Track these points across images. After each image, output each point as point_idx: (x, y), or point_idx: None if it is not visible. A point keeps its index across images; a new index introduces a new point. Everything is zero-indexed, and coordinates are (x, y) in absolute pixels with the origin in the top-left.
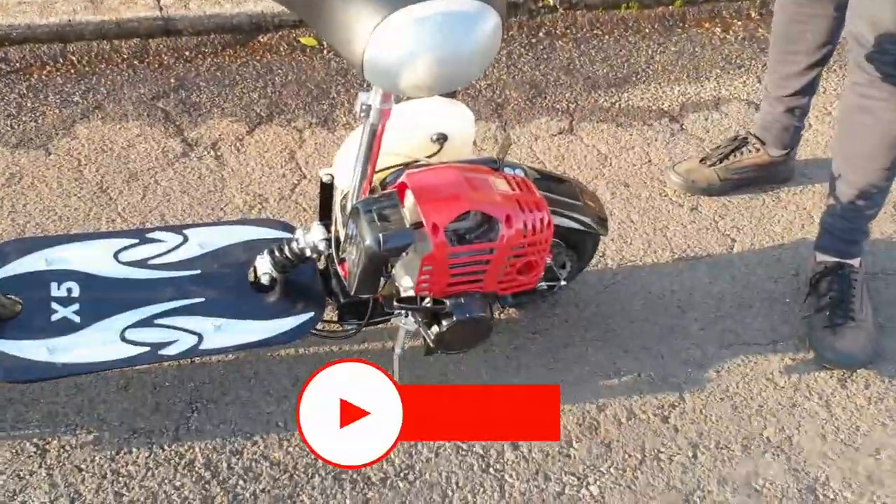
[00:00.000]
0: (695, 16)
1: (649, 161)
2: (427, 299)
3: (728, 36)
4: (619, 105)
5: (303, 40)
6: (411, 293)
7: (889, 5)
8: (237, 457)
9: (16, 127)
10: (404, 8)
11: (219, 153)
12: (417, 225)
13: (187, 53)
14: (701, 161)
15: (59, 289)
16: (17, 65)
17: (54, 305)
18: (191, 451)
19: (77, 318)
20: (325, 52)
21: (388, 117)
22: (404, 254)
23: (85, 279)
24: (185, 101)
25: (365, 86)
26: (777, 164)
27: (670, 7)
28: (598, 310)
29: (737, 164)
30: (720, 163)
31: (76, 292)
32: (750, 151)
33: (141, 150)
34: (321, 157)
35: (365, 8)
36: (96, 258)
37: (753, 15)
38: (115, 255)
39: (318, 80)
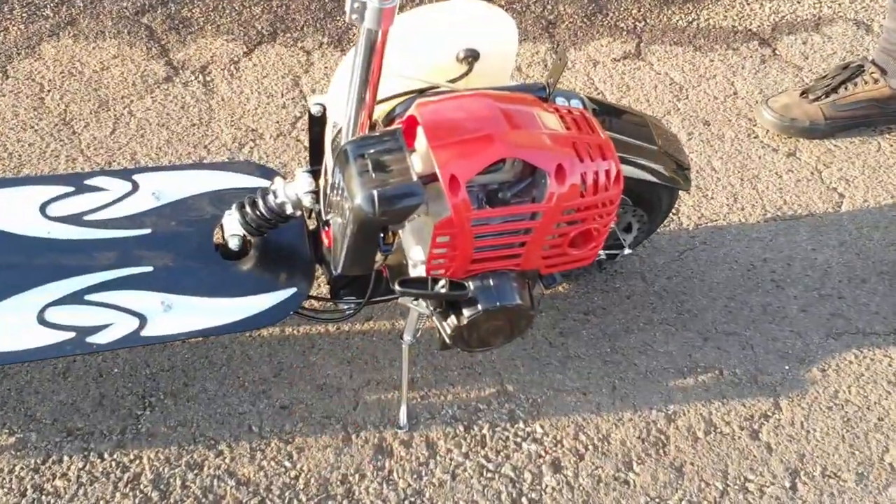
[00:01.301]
0: None
1: (735, 93)
2: (442, 283)
3: None
4: (698, 24)
5: None
6: (422, 271)
7: None
8: (195, 472)
9: None
10: None
11: (208, 78)
12: (430, 178)
13: None
14: (802, 95)
15: None
16: None
17: None
18: (137, 462)
19: None
20: None
21: (392, 21)
22: (411, 217)
23: (2, 239)
24: (174, 17)
25: None
26: None
27: None
28: (670, 283)
29: (848, 98)
30: (826, 97)
31: None
32: (866, 83)
33: (116, 73)
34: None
35: None
36: (17, 211)
37: None
38: (42, 208)
39: None
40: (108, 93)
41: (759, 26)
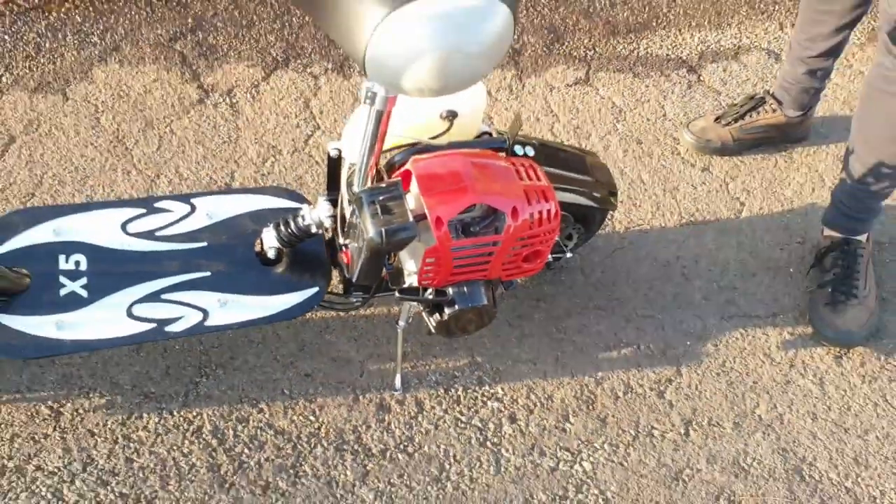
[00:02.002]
0: None
1: (664, 115)
2: (430, 292)
3: None
4: (638, 53)
5: None
6: (414, 280)
7: None
8: (243, 424)
9: (34, 69)
10: (408, 3)
11: (234, 101)
12: (421, 216)
13: None
14: (716, 120)
15: (67, 262)
16: (36, 1)
17: (62, 279)
18: (199, 417)
19: (85, 293)
20: None
21: (395, 103)
22: (408, 247)
23: (92, 252)
24: (202, 43)
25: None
26: (793, 126)
27: None
28: (604, 276)
29: (752, 123)
30: (735, 122)
31: (84, 265)
32: (766, 112)
33: (157, 96)
34: (336, 107)
35: (368, 2)
36: (104, 229)
37: None
38: (123, 226)
39: None
40: (151, 113)
41: (688, 55)
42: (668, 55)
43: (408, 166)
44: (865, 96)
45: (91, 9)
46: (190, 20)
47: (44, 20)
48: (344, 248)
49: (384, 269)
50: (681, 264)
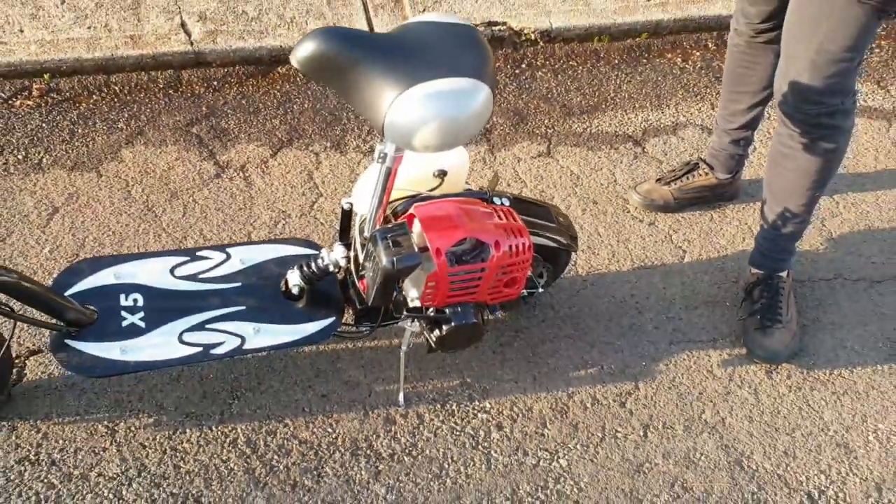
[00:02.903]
0: (658, 47)
1: (615, 181)
2: (430, 308)
3: (687, 66)
4: (590, 130)
5: None
6: (417, 304)
7: (806, 73)
8: (272, 436)
9: (70, 151)
10: (415, 86)
11: (247, 174)
12: (423, 249)
13: (216, 83)
14: (657, 181)
15: (127, 299)
16: (68, 94)
17: (124, 313)
18: (234, 431)
19: (143, 324)
20: None
21: (401, 162)
22: (412, 274)
23: (148, 291)
24: (216, 127)
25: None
26: (724, 186)
27: (637, 39)
28: (571, 311)
29: (689, 185)
30: (675, 184)
31: (141, 302)
32: (700, 175)
33: (180, 171)
34: (336, 178)
35: (386, 84)
36: (156, 273)
37: (710, 45)
38: (172, 271)
39: (331, 107)
40: (175, 186)
41: (633, 131)
42: (616, 132)
43: (411, 211)
44: (770, 159)
45: (116, 100)
46: (204, 108)
47: (75, 110)
48: (360, 279)
49: (393, 293)
50: (634, 301)
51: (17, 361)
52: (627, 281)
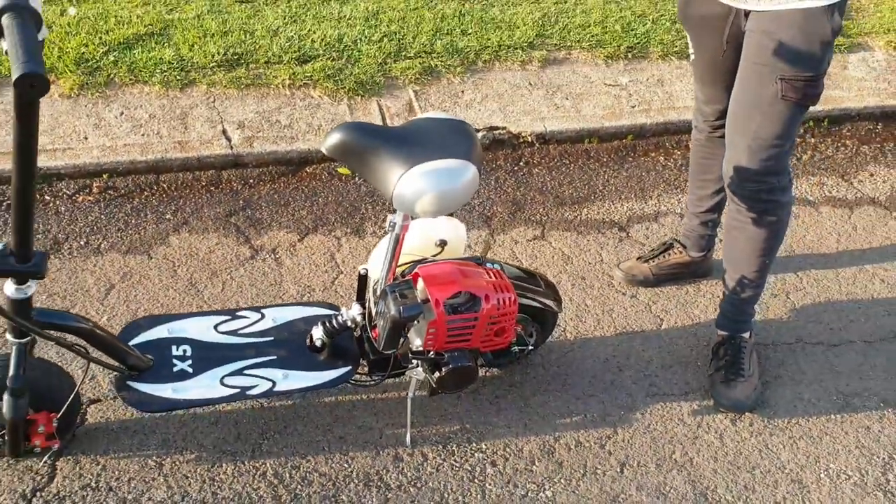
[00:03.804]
0: (643, 147)
1: (601, 260)
2: (431, 353)
3: (669, 163)
4: (581, 218)
5: (339, 170)
6: (420, 349)
7: (745, 157)
8: (296, 469)
9: (124, 238)
10: (417, 165)
11: (277, 256)
12: (425, 301)
13: (251, 181)
14: (638, 259)
15: (177, 350)
16: (123, 191)
17: (175, 361)
18: (263, 465)
19: (190, 370)
20: (356, 179)
21: (408, 230)
22: (416, 321)
23: (195, 343)
24: (251, 217)
25: (391, 210)
26: (696, 263)
27: (623, 140)
28: (559, 370)
29: (666, 262)
30: (653, 261)
31: (189, 352)
32: (675, 253)
33: (219, 254)
34: (354, 258)
35: (395, 164)
36: (202, 329)
37: (690, 146)
38: (215, 327)
39: (351, 200)
40: (215, 266)
41: (619, 218)
42: (604, 219)
43: (415, 270)
44: (725, 232)
45: (164, 195)
46: (241, 201)
47: (129, 204)
48: (373, 329)
49: (401, 339)
50: (616, 361)
51: (81, 408)
52: (610, 344)
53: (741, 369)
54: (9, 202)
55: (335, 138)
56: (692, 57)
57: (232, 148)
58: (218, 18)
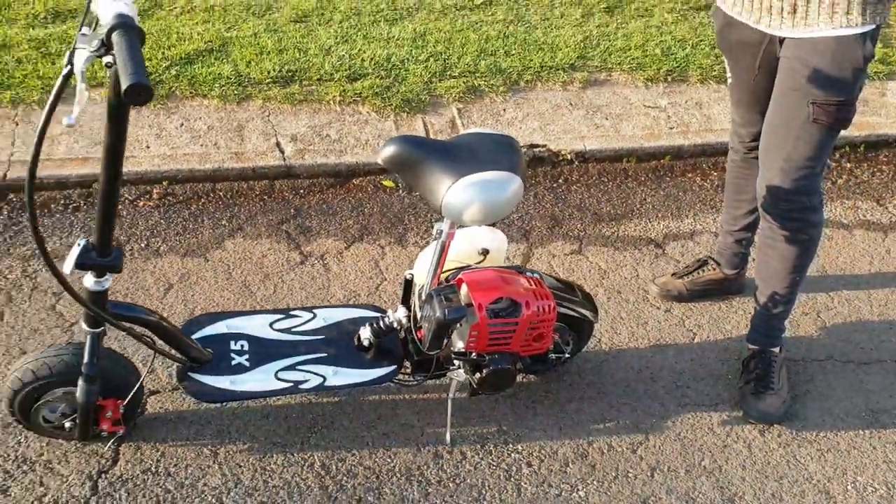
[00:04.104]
0: (680, 168)
1: (637, 275)
2: (473, 355)
3: (706, 183)
4: (618, 234)
5: (384, 183)
6: (463, 351)
7: (778, 178)
8: (342, 462)
9: (182, 241)
10: (465, 177)
11: (325, 262)
12: (469, 305)
13: (302, 191)
14: (673, 275)
15: (235, 345)
16: (182, 197)
17: (233, 355)
18: (311, 457)
19: (247, 364)
20: (399, 191)
21: (453, 238)
22: (459, 324)
23: (252, 339)
24: (301, 226)
25: (438, 219)
26: (730, 280)
27: (661, 161)
28: (594, 378)
29: (700, 279)
30: (687, 277)
31: (246, 347)
32: (709, 270)
33: (271, 259)
34: (397, 266)
35: (443, 177)
36: (258, 326)
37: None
38: (271, 325)
39: (395, 211)
40: (268, 270)
41: (655, 236)
42: (640, 236)
43: (459, 276)
44: (757, 249)
45: (220, 202)
46: (292, 210)
47: (187, 210)
48: (418, 330)
49: (444, 341)
50: (649, 372)
51: (143, 397)
52: (644, 356)
53: (771, 382)
54: (75, 204)
55: (390, 150)
56: (729, 80)
57: (285, 159)
58: (274, 37)
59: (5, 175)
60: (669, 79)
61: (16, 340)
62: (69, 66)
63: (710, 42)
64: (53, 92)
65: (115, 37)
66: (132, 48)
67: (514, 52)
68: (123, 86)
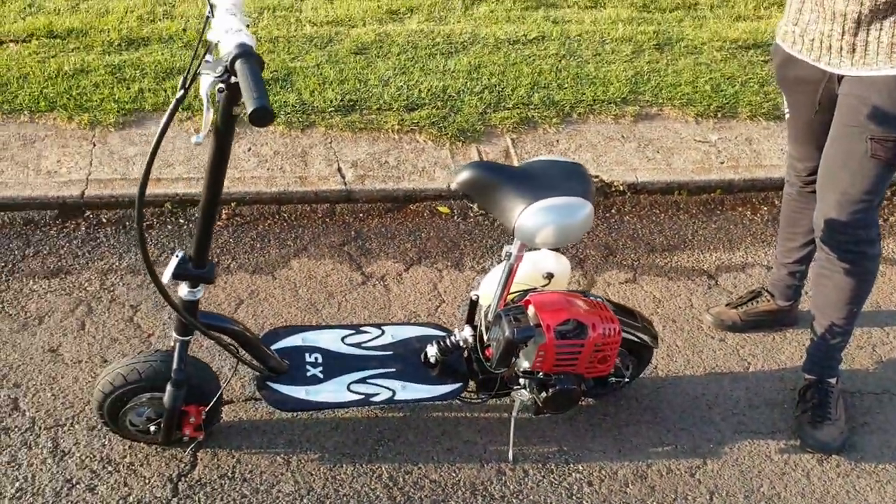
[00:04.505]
0: (731, 201)
1: (691, 305)
2: (540, 374)
3: (756, 217)
4: (671, 265)
5: (440, 209)
6: (529, 370)
7: (835, 212)
8: (409, 475)
9: (251, 260)
10: (538, 201)
11: (386, 283)
12: (537, 325)
13: (362, 215)
14: (727, 305)
15: (310, 357)
16: (249, 218)
17: (308, 367)
18: (379, 468)
19: (321, 375)
20: (454, 217)
21: (521, 261)
22: (527, 344)
23: (325, 352)
24: (362, 248)
25: (508, 240)
26: (783, 312)
27: (712, 194)
28: (651, 403)
29: (753, 309)
30: (741, 308)
31: (320, 360)
32: (763, 301)
33: (335, 278)
34: (455, 289)
35: (517, 201)
36: (331, 340)
37: (776, 203)
38: (342, 339)
39: (451, 236)
40: (332, 289)
41: (708, 267)
42: (693, 267)
43: (527, 298)
44: (813, 281)
45: (285, 224)
46: (353, 233)
47: (254, 230)
48: (486, 349)
49: (512, 359)
50: (705, 399)
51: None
52: (700, 383)
53: (828, 412)
54: (148, 222)
55: (466, 174)
56: (787, 116)
57: (346, 184)
58: (335, 67)
59: (83, 193)
60: (719, 114)
61: (97, 350)
62: (183, 91)
63: (758, 80)
64: (167, 113)
65: (238, 64)
66: (255, 75)
67: (566, 85)
68: (249, 109)
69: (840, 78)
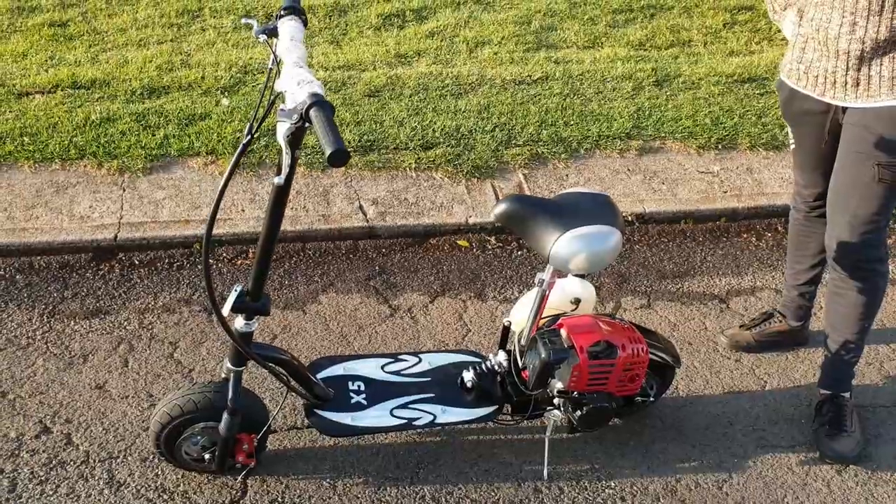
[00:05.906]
0: (736, 228)
1: (705, 328)
2: (575, 393)
3: (761, 243)
4: (683, 290)
5: (459, 242)
6: (564, 390)
7: (845, 233)
8: (450, 495)
9: (281, 296)
10: (571, 230)
11: (413, 315)
12: (570, 347)
13: (384, 250)
14: (741, 327)
15: (353, 385)
16: (274, 256)
17: (351, 394)
18: (421, 490)
19: (365, 402)
20: (473, 250)
21: (553, 287)
22: (561, 365)
23: (367, 380)
24: (387, 281)
25: (542, 268)
26: (795, 332)
27: (717, 222)
28: (674, 422)
29: (767, 330)
30: (755, 328)
31: (363, 387)
32: (775, 322)
33: (363, 312)
34: (479, 318)
35: (552, 230)
36: (372, 368)
37: (780, 229)
38: (382, 367)
39: (472, 268)
40: (361, 322)
41: (718, 292)
42: (704, 292)
43: (559, 321)
44: (826, 299)
45: (311, 261)
46: (377, 267)
47: (281, 267)
48: (522, 371)
49: (548, 381)
50: (726, 416)
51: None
52: (719, 402)
53: (844, 425)
54: (178, 263)
55: (503, 207)
56: (792, 146)
57: (367, 221)
58: (351, 110)
59: (116, 236)
60: (720, 146)
61: (142, 385)
62: (249, 137)
63: (755, 112)
64: (234, 158)
65: (312, 112)
66: (329, 121)
67: (572, 122)
68: (327, 152)
69: (844, 108)
